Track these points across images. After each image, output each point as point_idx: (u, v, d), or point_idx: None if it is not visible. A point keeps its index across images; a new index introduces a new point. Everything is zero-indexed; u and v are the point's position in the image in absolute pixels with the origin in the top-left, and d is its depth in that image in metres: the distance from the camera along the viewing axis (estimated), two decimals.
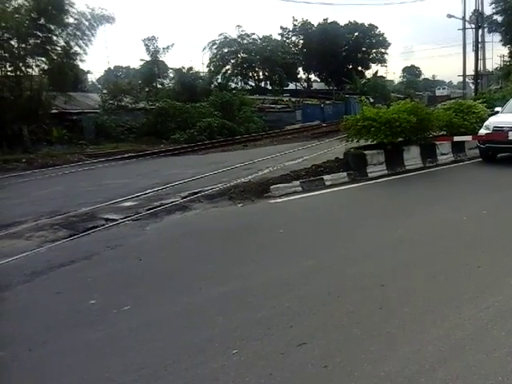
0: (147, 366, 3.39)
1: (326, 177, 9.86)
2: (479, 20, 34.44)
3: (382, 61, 63.30)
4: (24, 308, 4.62)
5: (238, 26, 51.21)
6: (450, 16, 34.51)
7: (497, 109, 13.23)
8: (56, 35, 21.63)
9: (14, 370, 3.52)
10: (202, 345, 3.64)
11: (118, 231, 7.28)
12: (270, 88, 51.72)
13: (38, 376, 3.43)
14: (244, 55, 49.99)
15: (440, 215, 7.24)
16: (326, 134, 26.44)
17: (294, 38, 59.93)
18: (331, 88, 54.99)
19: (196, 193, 9.59)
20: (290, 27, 59.32)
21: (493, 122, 11.93)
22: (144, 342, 3.77)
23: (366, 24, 60.58)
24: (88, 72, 41.47)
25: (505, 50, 40.28)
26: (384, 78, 64.72)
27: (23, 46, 20.77)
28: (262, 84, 53.08)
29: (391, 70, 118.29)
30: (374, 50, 62.14)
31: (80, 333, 3.98)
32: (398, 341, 3.52)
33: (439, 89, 77.60)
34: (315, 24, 58.45)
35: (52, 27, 21.24)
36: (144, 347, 3.67)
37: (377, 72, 60.27)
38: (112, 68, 58.11)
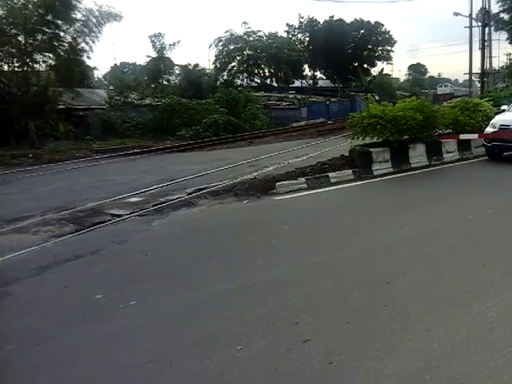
0: (153, 361, 3.41)
1: (331, 174, 9.85)
2: (486, 18, 34.14)
3: (387, 58, 63.13)
4: (31, 302, 4.65)
5: (245, 22, 51.45)
6: (456, 14, 34.17)
7: (503, 107, 13.19)
8: (63, 31, 21.71)
9: (21, 363, 3.55)
10: (207, 340, 3.65)
11: (124, 227, 7.31)
12: (276, 85, 51.75)
13: (45, 370, 3.46)
14: (250, 52, 49.99)
15: (446, 213, 7.22)
16: (332, 131, 26.39)
17: (299, 36, 59.94)
18: (337, 85, 54.82)
19: (201, 189, 9.62)
20: (296, 24, 59.39)
21: (499, 120, 11.87)
22: (150, 336, 3.79)
23: (372, 21, 60.51)
24: (94, 68, 41.62)
25: (511, 49, 40.04)
26: (390, 75, 64.58)
27: (31, 41, 20.82)
28: (268, 81, 53.12)
29: (397, 68, 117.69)
30: (379, 48, 61.95)
31: (86, 327, 4.01)
32: (403, 338, 3.53)
33: (441, 86, 69.07)
34: (321, 21, 58.51)
35: (59, 23, 21.29)
36: (150, 342, 3.70)
37: (382, 70, 60.15)
38: (118, 64, 58.19)
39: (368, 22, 60.07)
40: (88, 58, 23.71)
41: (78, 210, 8.32)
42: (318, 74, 63.39)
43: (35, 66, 21.60)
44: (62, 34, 21.71)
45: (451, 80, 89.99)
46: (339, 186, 9.43)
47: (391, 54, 62.87)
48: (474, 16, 34.62)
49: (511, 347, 3.33)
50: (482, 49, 33.82)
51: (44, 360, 3.57)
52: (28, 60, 21.05)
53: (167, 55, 40.21)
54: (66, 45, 21.92)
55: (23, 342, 3.84)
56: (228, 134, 25.82)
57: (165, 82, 39.52)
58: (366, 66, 60.86)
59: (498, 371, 3.07)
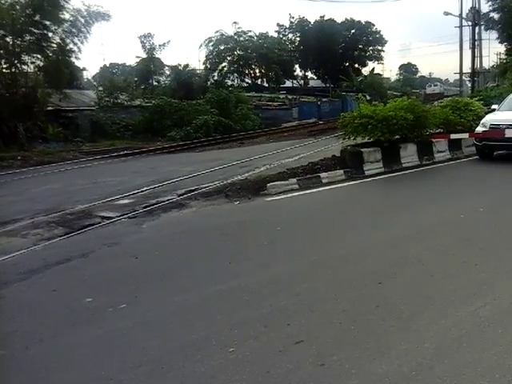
0: (144, 364, 3.38)
1: (322, 174, 9.86)
2: (476, 17, 34.44)
3: (378, 58, 63.35)
4: (20, 306, 4.59)
5: (235, 22, 51.35)
6: (446, 13, 34.42)
7: (493, 106, 13.27)
8: (52, 32, 21.58)
9: (11, 368, 3.50)
10: (198, 343, 3.62)
11: (114, 229, 7.25)
12: (267, 85, 51.72)
13: (35, 374, 3.41)
14: (240, 52, 49.89)
15: (437, 213, 7.24)
16: (323, 131, 26.43)
17: (290, 35, 59.91)
18: (328, 85, 54.93)
19: (192, 190, 9.58)
20: (287, 24, 59.34)
21: (489, 119, 11.95)
22: (141, 340, 3.75)
23: (363, 21, 60.65)
24: (83, 69, 41.39)
25: (501, 48, 40.34)
26: (381, 75, 64.51)
27: (18, 42, 20.66)
28: (259, 81, 53.08)
29: (388, 68, 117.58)
30: (370, 48, 62.15)
31: (76, 331, 3.96)
32: (395, 338, 3.52)
33: (430, 86, 65.56)
34: (312, 21, 58.53)
35: (47, 23, 21.14)
36: (141, 345, 3.66)
37: (373, 69, 60.15)
38: (107, 65, 57.71)
39: (359, 21, 60.26)
40: (77, 58, 23.73)
41: (68, 213, 8.25)
42: (309, 74, 63.48)
43: (23, 67, 21.44)
44: (50, 34, 21.62)
45: (442, 79, 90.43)
46: (331, 187, 9.44)
47: (382, 53, 63.14)
48: (464, 15, 34.97)
49: (502, 346, 3.33)
50: (473, 48, 34.15)
51: (34, 364, 3.52)
52: (16, 61, 20.89)
53: (157, 56, 40.13)
54: (54, 45, 21.80)
55: (12, 346, 3.78)
56: (219, 134, 25.79)
57: (155, 83, 39.43)
58: (357, 65, 60.97)
59: (489, 370, 3.07)
